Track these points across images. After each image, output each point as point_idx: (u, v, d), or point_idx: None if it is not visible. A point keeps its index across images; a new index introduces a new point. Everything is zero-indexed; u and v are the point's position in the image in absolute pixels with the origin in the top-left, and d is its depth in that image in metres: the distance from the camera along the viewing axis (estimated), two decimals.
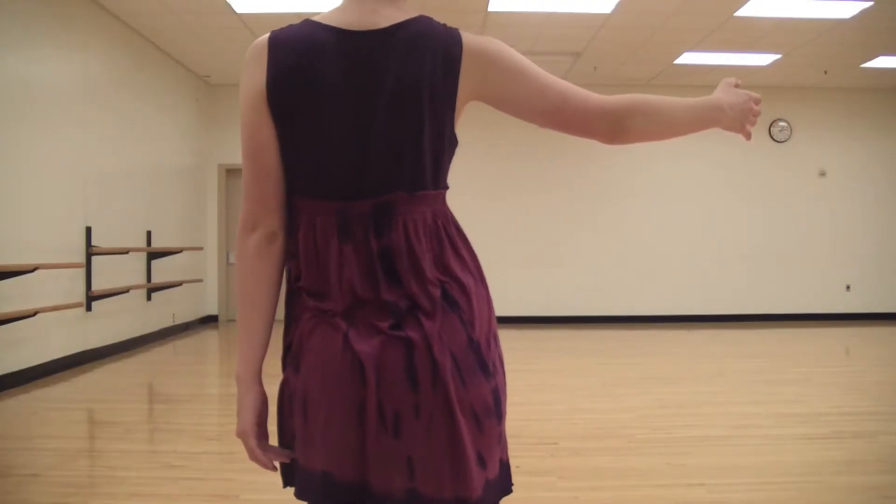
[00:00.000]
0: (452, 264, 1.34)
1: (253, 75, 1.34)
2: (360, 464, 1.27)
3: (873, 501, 3.19)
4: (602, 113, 1.34)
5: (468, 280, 1.35)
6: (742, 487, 3.34)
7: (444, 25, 1.36)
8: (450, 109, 1.33)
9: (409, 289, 1.30)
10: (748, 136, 1.47)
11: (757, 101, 1.44)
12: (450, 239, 1.36)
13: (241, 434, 1.37)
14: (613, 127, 1.35)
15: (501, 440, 1.36)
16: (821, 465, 3.66)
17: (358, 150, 1.30)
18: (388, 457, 1.26)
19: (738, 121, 1.43)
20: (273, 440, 1.40)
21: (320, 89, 1.30)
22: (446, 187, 1.39)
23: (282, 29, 1.36)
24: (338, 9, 1.37)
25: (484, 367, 1.32)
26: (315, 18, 1.37)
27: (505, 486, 1.37)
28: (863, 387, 5.75)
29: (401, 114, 1.29)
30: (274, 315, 1.39)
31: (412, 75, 1.30)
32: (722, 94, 1.43)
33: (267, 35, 1.36)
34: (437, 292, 1.31)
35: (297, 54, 1.31)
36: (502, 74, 1.35)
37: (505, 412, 1.36)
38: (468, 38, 1.35)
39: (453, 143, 1.37)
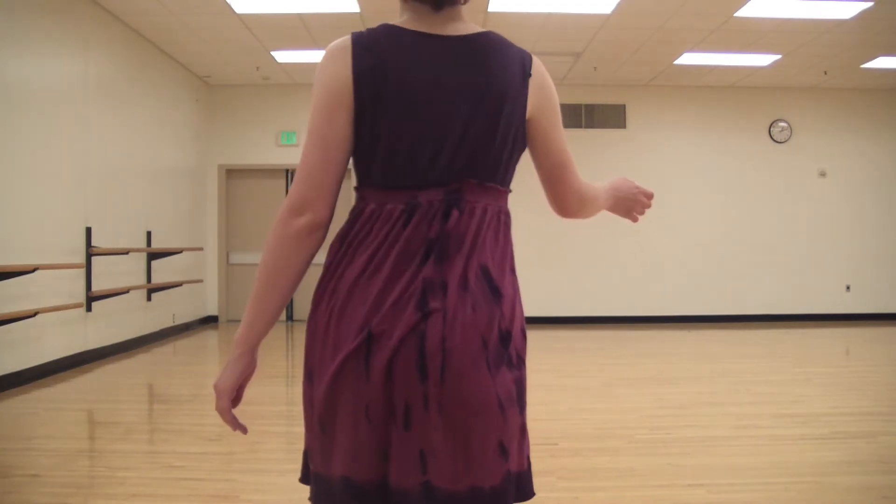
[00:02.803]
0: (503, 258, 1.41)
1: (336, 68, 1.36)
2: (380, 461, 1.29)
3: (873, 501, 3.19)
4: (579, 195, 1.56)
5: (510, 275, 1.41)
6: (742, 487, 3.34)
7: (510, 42, 1.46)
8: (522, 115, 1.41)
9: (452, 269, 1.32)
10: (634, 220, 1.74)
11: (648, 196, 1.70)
12: (505, 236, 1.43)
13: (220, 390, 1.40)
14: (577, 208, 1.58)
15: (525, 434, 1.38)
16: (821, 465, 3.66)
17: (437, 141, 1.35)
18: (402, 450, 1.28)
19: (624, 206, 1.70)
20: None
21: (406, 81, 1.34)
22: (510, 189, 1.47)
23: (361, 31, 1.40)
24: (405, 20, 1.42)
25: (511, 356, 1.36)
26: (390, 23, 1.42)
27: (528, 487, 1.38)
28: (863, 387, 5.75)
29: (482, 111, 1.36)
30: (289, 300, 1.43)
31: (496, 77, 1.38)
32: (616, 183, 1.69)
33: (348, 36, 1.39)
34: (479, 278, 1.34)
35: (383, 49, 1.36)
36: (549, 109, 1.47)
37: (526, 404, 1.39)
38: (537, 59, 1.47)
39: (521, 147, 1.45)
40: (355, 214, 1.39)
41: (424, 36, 1.38)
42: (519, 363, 1.37)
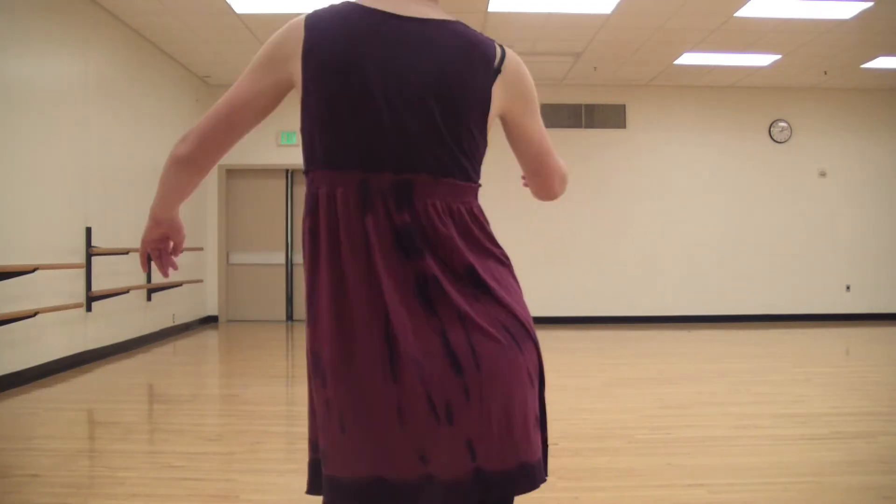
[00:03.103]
0: (482, 252, 1.37)
1: (288, 38, 1.37)
2: (417, 460, 1.28)
3: (873, 501, 3.18)
4: (560, 175, 1.58)
5: (501, 269, 1.39)
6: (742, 487, 3.33)
7: (482, 34, 1.42)
8: (478, 110, 1.36)
9: (438, 264, 1.30)
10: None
11: None
12: (478, 230, 1.38)
13: (143, 240, 1.57)
14: (560, 189, 1.61)
15: (545, 411, 1.41)
16: (821, 465, 3.66)
17: (384, 122, 1.32)
18: (447, 445, 1.27)
19: None
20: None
21: (357, 59, 1.32)
22: (477, 183, 1.41)
23: (318, 10, 1.40)
24: (370, 2, 1.40)
25: (534, 339, 1.38)
26: (354, 0, 1.40)
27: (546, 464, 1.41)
28: (863, 387, 5.75)
29: (429, 102, 1.32)
30: (188, 195, 1.53)
31: (453, 67, 1.34)
32: None
33: (303, 15, 1.39)
34: (470, 278, 1.33)
35: (337, 27, 1.35)
36: (525, 104, 1.44)
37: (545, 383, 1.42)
38: (512, 54, 1.42)
39: (482, 143, 1.40)
40: (312, 203, 1.37)
41: (384, 15, 1.36)
42: (537, 345, 1.40)
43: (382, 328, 1.28)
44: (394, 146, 1.32)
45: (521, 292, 1.42)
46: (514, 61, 1.42)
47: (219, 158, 1.46)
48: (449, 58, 1.34)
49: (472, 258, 1.34)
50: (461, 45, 1.37)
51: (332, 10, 1.38)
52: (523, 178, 1.68)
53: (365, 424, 1.29)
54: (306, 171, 1.39)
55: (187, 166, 1.44)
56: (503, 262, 1.41)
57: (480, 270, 1.34)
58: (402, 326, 1.28)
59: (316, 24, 1.36)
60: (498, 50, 1.40)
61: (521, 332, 1.34)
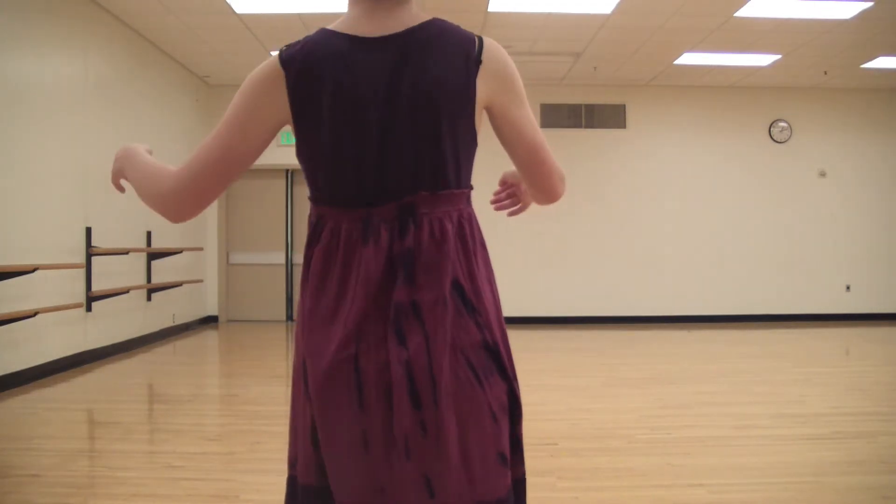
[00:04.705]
0: (473, 268, 1.35)
1: (266, 82, 1.34)
2: (377, 490, 1.27)
3: (873, 501, 3.19)
4: (560, 174, 1.50)
5: (484, 286, 1.37)
6: (742, 487, 3.33)
7: (460, 27, 1.39)
8: (467, 108, 1.34)
9: (423, 290, 1.29)
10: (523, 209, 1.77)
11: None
12: (473, 242, 1.37)
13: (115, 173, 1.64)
14: (561, 189, 1.52)
15: (520, 445, 1.37)
16: (821, 465, 3.66)
17: (379, 154, 1.31)
18: (406, 479, 1.27)
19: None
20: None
21: (340, 93, 1.31)
22: (470, 187, 1.40)
23: (292, 44, 1.36)
24: (349, 18, 1.38)
25: (502, 369, 1.35)
26: (329, 27, 1.38)
27: (522, 491, 1.38)
28: (863, 387, 5.75)
29: (419, 113, 1.31)
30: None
31: (430, 75, 1.32)
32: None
33: (276, 55, 1.36)
34: (453, 295, 1.31)
35: (316, 62, 1.32)
36: (508, 93, 1.39)
37: (522, 416, 1.37)
38: (490, 42, 1.38)
39: (473, 142, 1.38)
40: (315, 235, 1.36)
41: (360, 41, 1.34)
42: (513, 376, 1.37)
43: (354, 353, 1.29)
44: (395, 176, 1.31)
45: (499, 316, 1.40)
46: (494, 49, 1.38)
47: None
48: (432, 64, 1.32)
49: (462, 274, 1.33)
50: (440, 47, 1.34)
51: (308, 43, 1.35)
52: (493, 201, 1.68)
53: (333, 447, 1.30)
54: (311, 199, 1.38)
55: (171, 208, 1.46)
56: (490, 282, 1.39)
57: (468, 288, 1.33)
58: (369, 355, 1.28)
59: (293, 61, 1.33)
60: (476, 40, 1.37)
61: (487, 365, 1.32)
